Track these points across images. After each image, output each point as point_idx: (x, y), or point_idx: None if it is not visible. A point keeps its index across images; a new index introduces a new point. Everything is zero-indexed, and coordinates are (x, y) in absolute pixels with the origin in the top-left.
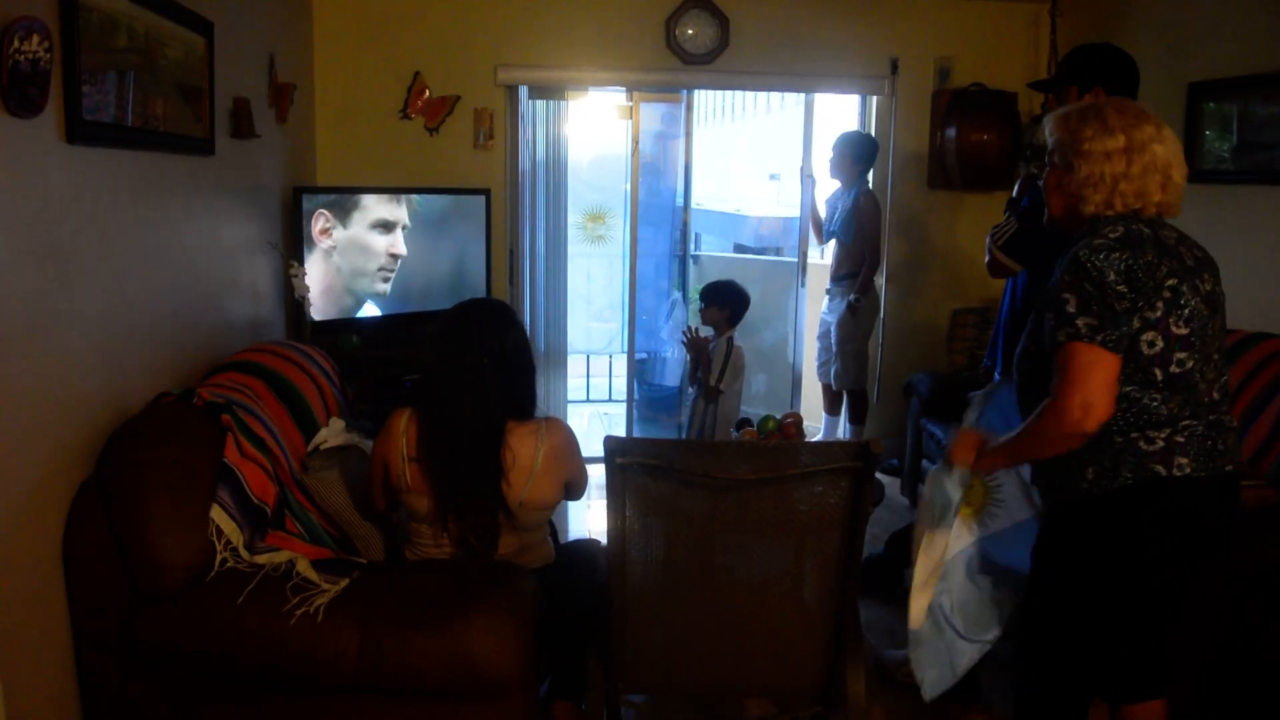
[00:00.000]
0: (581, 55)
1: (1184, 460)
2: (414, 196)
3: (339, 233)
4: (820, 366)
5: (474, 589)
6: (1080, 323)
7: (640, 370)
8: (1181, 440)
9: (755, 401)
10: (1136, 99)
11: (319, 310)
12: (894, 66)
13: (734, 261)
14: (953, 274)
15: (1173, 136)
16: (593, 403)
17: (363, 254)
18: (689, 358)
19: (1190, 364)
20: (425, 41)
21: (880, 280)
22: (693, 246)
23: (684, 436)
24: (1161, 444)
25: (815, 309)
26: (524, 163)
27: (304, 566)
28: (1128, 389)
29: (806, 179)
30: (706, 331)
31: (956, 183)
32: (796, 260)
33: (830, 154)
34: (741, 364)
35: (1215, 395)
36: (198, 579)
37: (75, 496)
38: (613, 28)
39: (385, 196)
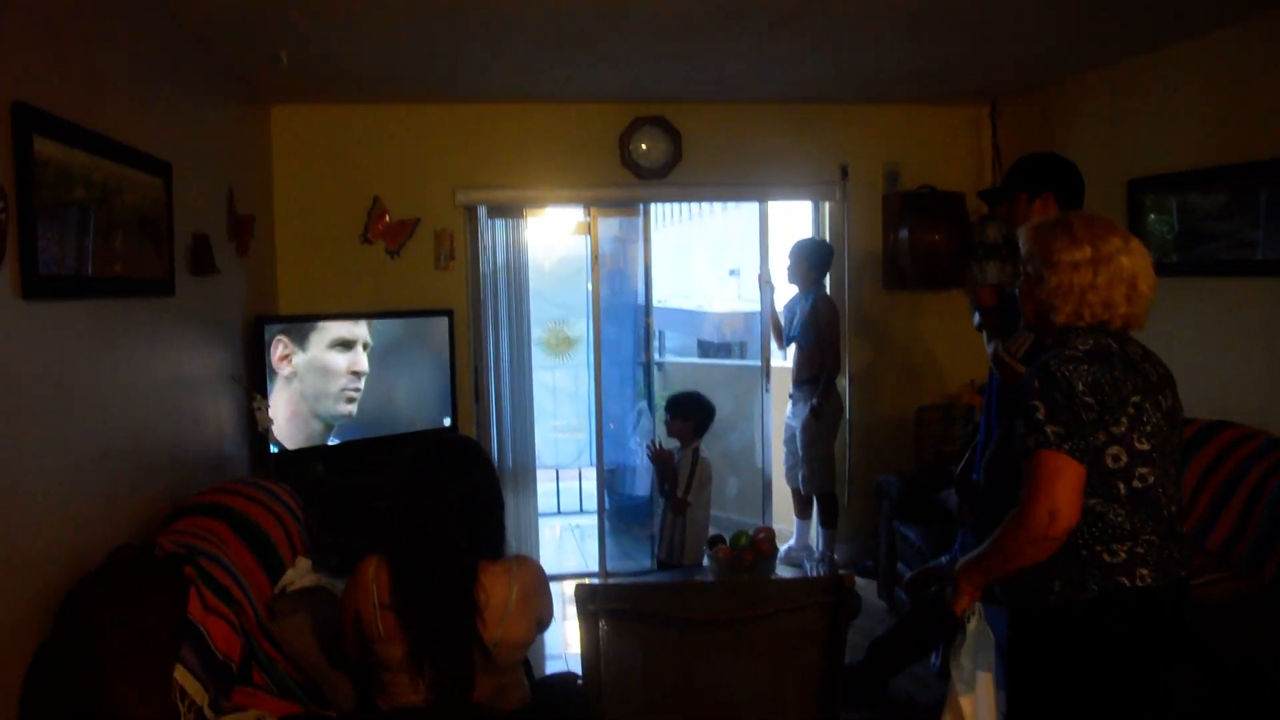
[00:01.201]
0: (538, 174)
1: (1145, 571)
2: (374, 321)
3: (299, 357)
4: (788, 471)
5: None
6: (1049, 430)
7: (610, 481)
8: (1141, 552)
9: (728, 505)
10: (1083, 203)
11: (287, 439)
12: (844, 172)
13: (699, 367)
14: (914, 372)
15: (1140, 248)
16: (564, 515)
17: (324, 376)
18: (655, 470)
19: (1152, 479)
20: (384, 166)
21: (843, 382)
22: (656, 346)
23: (655, 549)
24: (1124, 556)
25: (781, 413)
26: (485, 281)
27: None
28: (1091, 501)
29: (765, 285)
30: (674, 443)
31: (911, 282)
32: (760, 365)
33: (787, 261)
34: (708, 474)
35: (1173, 508)
36: None
37: (33, 660)
38: (568, 146)
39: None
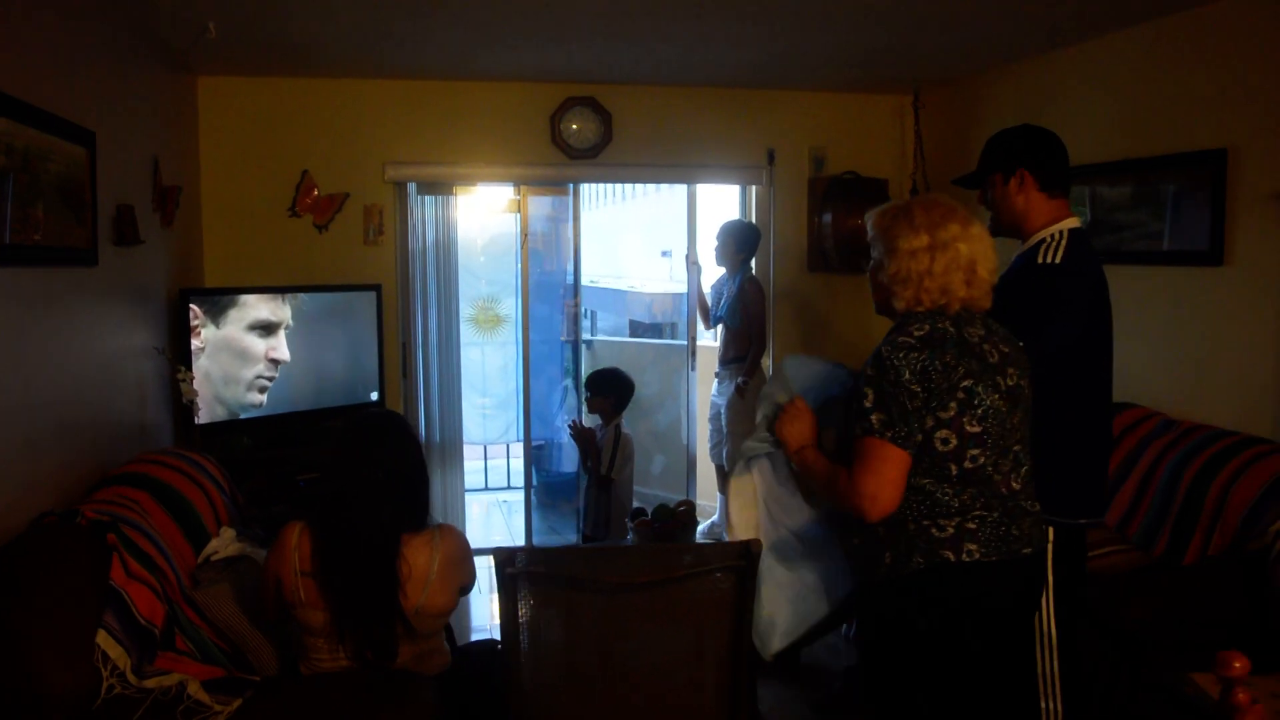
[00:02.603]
0: (469, 151)
1: (973, 546)
2: (300, 295)
3: (209, 331)
4: (712, 449)
5: (372, 701)
6: (874, 418)
7: (537, 457)
8: (972, 527)
9: (653, 483)
10: (1068, 172)
11: (207, 413)
12: (771, 157)
13: (627, 346)
14: (837, 353)
15: (981, 233)
16: (491, 490)
17: (238, 359)
18: (578, 447)
19: (983, 459)
20: (314, 140)
21: (767, 362)
22: (587, 325)
23: (581, 524)
24: (952, 531)
25: (706, 391)
26: (414, 256)
27: (195, 689)
28: (923, 481)
29: (691, 265)
30: (596, 420)
31: (835, 265)
32: (686, 344)
33: (714, 243)
34: (630, 450)
35: (1015, 485)
36: (84, 707)
37: None
38: (499, 124)
39: (268, 295)
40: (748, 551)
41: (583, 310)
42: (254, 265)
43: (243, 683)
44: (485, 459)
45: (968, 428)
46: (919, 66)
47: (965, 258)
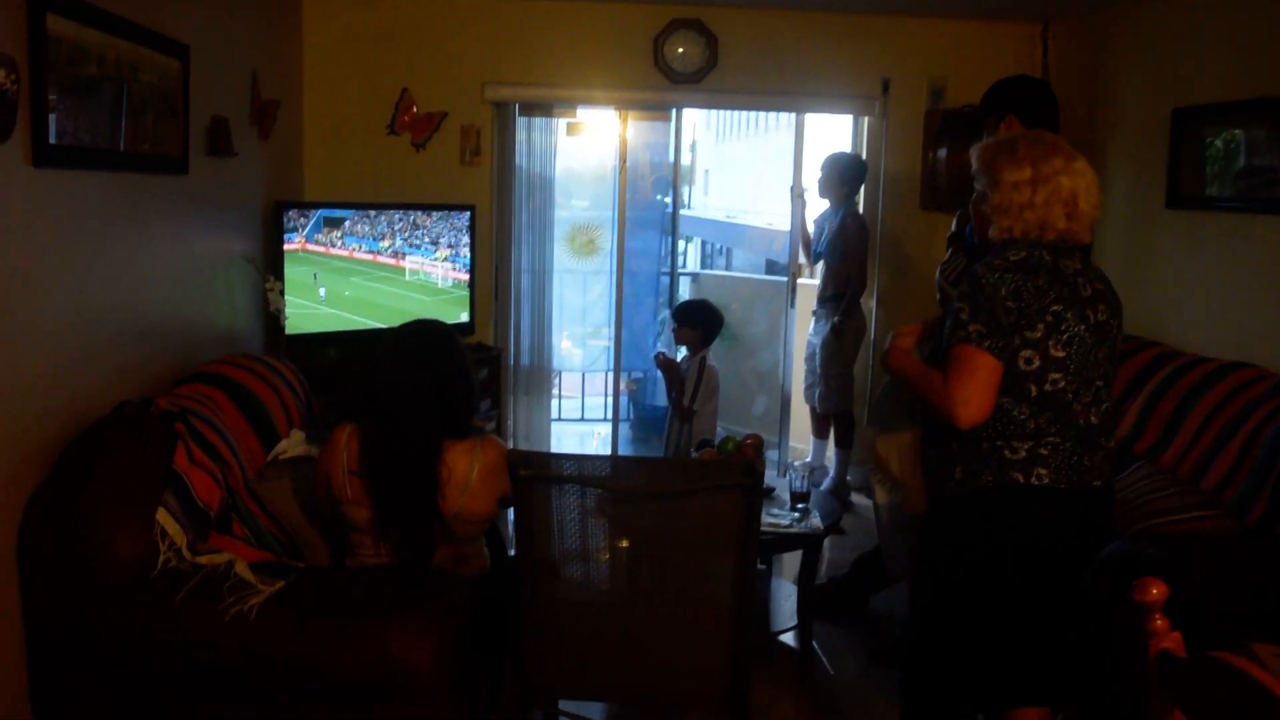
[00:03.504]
0: (570, 73)
1: (1043, 471)
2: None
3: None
4: (806, 389)
5: (401, 594)
6: (971, 329)
7: (634, 391)
8: (1044, 453)
9: (753, 423)
10: (1053, 122)
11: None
12: (885, 87)
13: (735, 281)
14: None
15: (1084, 169)
16: (587, 421)
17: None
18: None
19: (1063, 384)
20: (413, 58)
21: (870, 302)
22: (721, 263)
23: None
24: (1025, 454)
25: (805, 331)
26: (511, 178)
27: (241, 568)
28: (1003, 400)
29: (796, 198)
30: (682, 352)
31: (948, 204)
32: (786, 280)
33: (818, 174)
34: (715, 383)
35: (1093, 419)
36: (142, 576)
37: (31, 496)
38: (601, 46)
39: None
40: (751, 469)
41: (717, 247)
42: (351, 181)
43: (287, 568)
44: (583, 392)
45: (1052, 351)
46: None
47: (1067, 191)
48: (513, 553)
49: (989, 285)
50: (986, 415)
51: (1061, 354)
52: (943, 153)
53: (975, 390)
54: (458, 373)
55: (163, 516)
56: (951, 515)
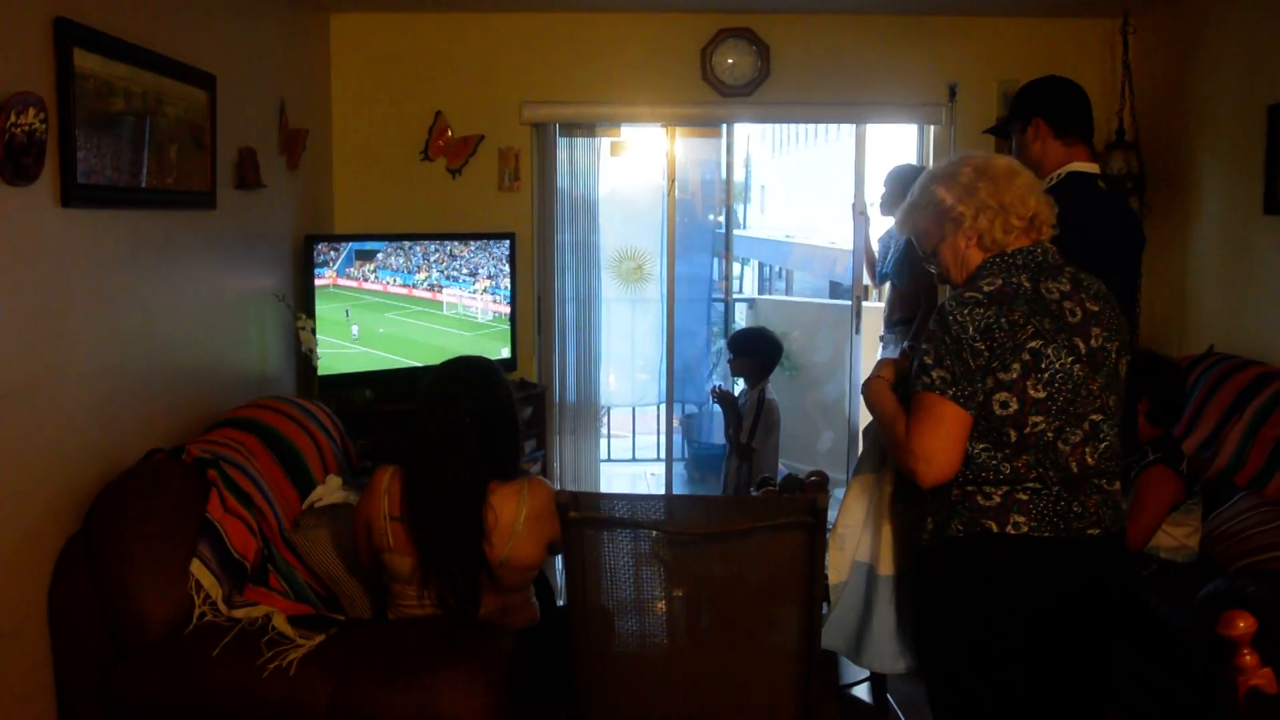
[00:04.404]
0: (612, 89)
1: (1021, 519)
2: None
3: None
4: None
5: (447, 647)
6: (935, 375)
7: (687, 427)
8: (1024, 498)
9: (818, 460)
10: (1086, 122)
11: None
12: (952, 93)
13: (789, 305)
14: None
15: (1007, 170)
16: (639, 462)
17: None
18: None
19: (1043, 426)
20: (447, 80)
21: None
22: (781, 287)
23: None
24: (999, 500)
25: (872, 357)
26: (553, 203)
27: (280, 621)
28: (977, 447)
29: (859, 215)
30: (740, 384)
31: None
32: (850, 304)
33: (882, 189)
34: (776, 418)
35: (1089, 460)
36: (176, 631)
37: (63, 549)
38: (645, 60)
39: (398, 245)
40: (813, 507)
41: (775, 270)
42: (384, 211)
43: (328, 620)
44: (634, 430)
45: (1031, 392)
46: None
47: (990, 198)
48: (562, 603)
49: (956, 324)
50: (952, 473)
51: (1042, 394)
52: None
53: (940, 446)
54: (502, 411)
55: (197, 569)
56: (925, 571)
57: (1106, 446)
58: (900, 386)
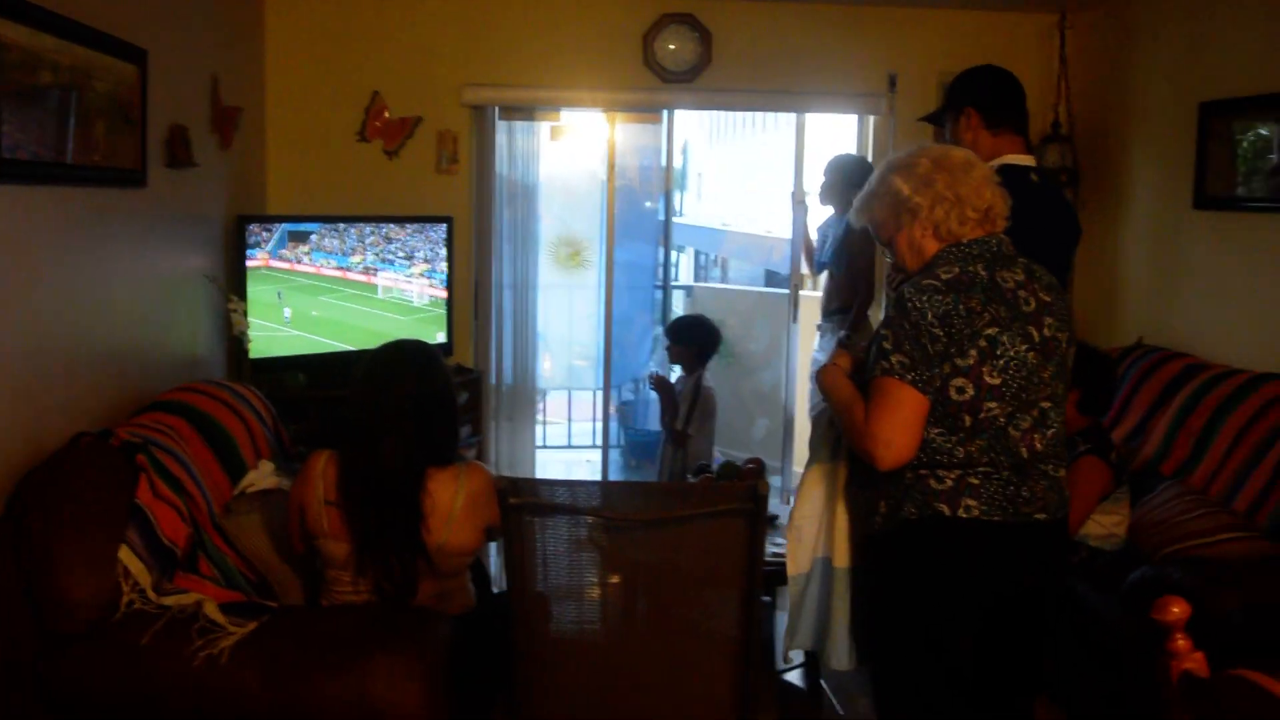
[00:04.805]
0: (553, 73)
1: (972, 502)
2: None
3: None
4: (811, 410)
5: (381, 633)
6: (894, 359)
7: (624, 414)
8: (975, 482)
9: (753, 448)
10: (1017, 111)
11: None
12: (892, 83)
13: (727, 293)
14: None
15: (963, 163)
16: (575, 448)
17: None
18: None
19: (997, 411)
20: (385, 59)
21: (878, 315)
22: (717, 275)
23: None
24: (950, 484)
25: (809, 346)
26: (491, 188)
27: (211, 609)
28: (932, 432)
29: (798, 204)
30: (677, 371)
31: None
32: (788, 293)
33: (821, 178)
34: (712, 406)
35: (1037, 445)
36: (104, 619)
37: None
38: (586, 44)
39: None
40: (755, 493)
41: (711, 257)
42: (319, 192)
43: (259, 608)
44: (570, 416)
45: (987, 378)
46: None
47: (946, 189)
48: (498, 589)
49: (915, 310)
50: (910, 456)
51: (997, 381)
52: None
53: (898, 429)
54: (441, 396)
55: (125, 555)
56: (878, 554)
57: (1054, 433)
58: (856, 375)
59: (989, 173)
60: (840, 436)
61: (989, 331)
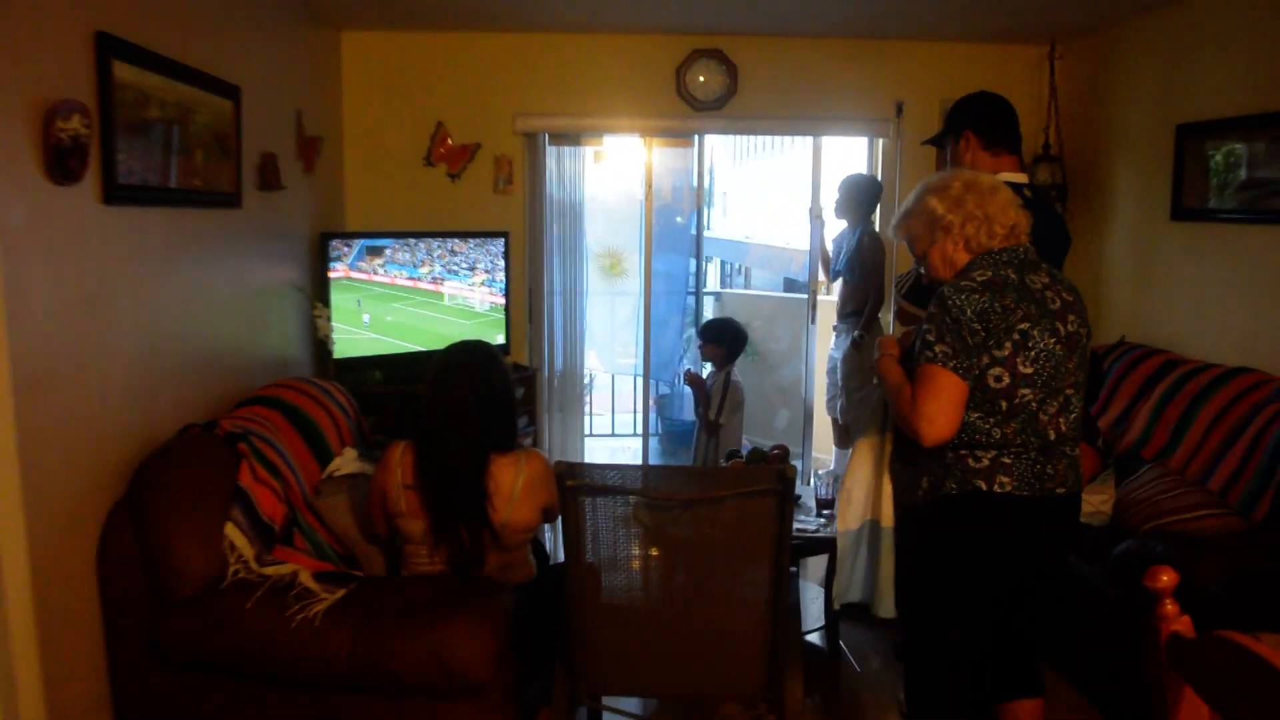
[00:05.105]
0: (596, 103)
1: (1006, 479)
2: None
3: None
4: (829, 402)
5: (455, 599)
6: (938, 349)
7: (661, 406)
8: (1008, 462)
9: (777, 436)
10: (1012, 135)
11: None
12: (899, 109)
13: (752, 298)
14: None
15: (990, 187)
16: (618, 436)
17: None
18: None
19: (1030, 397)
20: (447, 92)
21: (888, 317)
22: (741, 282)
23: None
24: (988, 463)
25: (826, 346)
26: (542, 205)
27: (305, 578)
28: (973, 415)
29: (815, 219)
30: (708, 368)
31: None
32: (807, 298)
33: (835, 195)
34: (740, 398)
35: (1062, 428)
36: (212, 587)
37: (108, 515)
38: (626, 77)
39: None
40: (784, 476)
41: (736, 266)
42: (391, 211)
43: (348, 577)
44: (613, 407)
45: (1021, 368)
46: (1056, 16)
47: (976, 209)
48: (554, 561)
49: (955, 307)
50: (951, 434)
51: (1030, 370)
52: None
53: (940, 409)
54: (501, 391)
55: (231, 531)
56: (920, 524)
57: (1075, 416)
58: (904, 361)
59: (1013, 196)
60: (886, 415)
61: (1022, 326)
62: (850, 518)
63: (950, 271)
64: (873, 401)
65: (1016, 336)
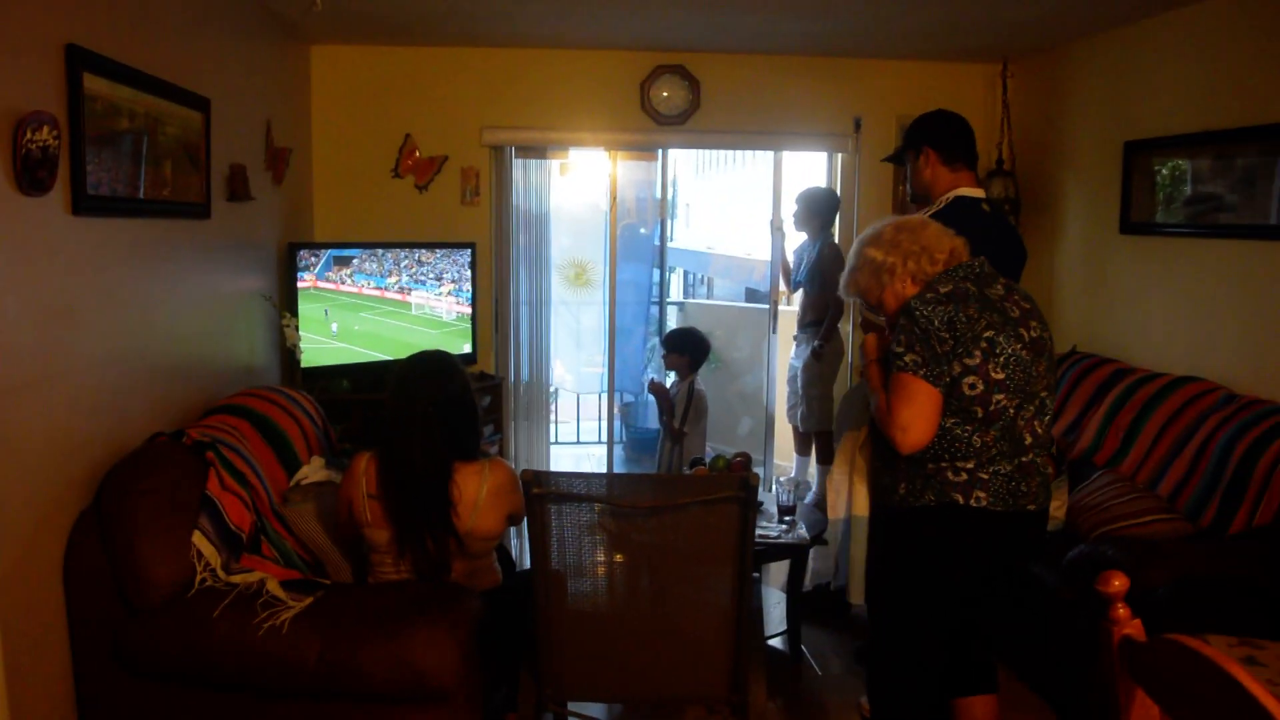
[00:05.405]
0: (562, 117)
1: (982, 495)
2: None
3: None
4: (789, 410)
5: (421, 606)
6: (908, 359)
7: (625, 414)
8: (985, 478)
9: (739, 443)
10: (969, 151)
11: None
12: (857, 125)
13: (719, 309)
14: None
15: (918, 225)
16: (583, 444)
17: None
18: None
19: (1005, 403)
20: (415, 106)
21: (847, 327)
22: (704, 291)
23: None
24: (965, 477)
25: (787, 355)
26: (509, 217)
27: (273, 586)
28: (950, 422)
29: (775, 231)
30: (672, 377)
31: None
32: (768, 308)
33: (794, 208)
34: (704, 406)
35: (1038, 430)
36: (179, 595)
37: (75, 523)
38: (591, 91)
39: (373, 252)
40: (746, 483)
41: (699, 277)
42: (359, 222)
43: (315, 584)
44: (578, 415)
45: (993, 374)
46: (1008, 36)
47: (912, 245)
48: (519, 568)
49: (923, 318)
50: (927, 440)
51: (1001, 375)
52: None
53: (914, 416)
54: (460, 399)
55: (198, 539)
56: (895, 528)
57: (1049, 419)
58: (884, 362)
59: (943, 227)
60: (865, 408)
61: (988, 334)
62: (839, 507)
63: None
64: (856, 397)
65: (984, 344)
